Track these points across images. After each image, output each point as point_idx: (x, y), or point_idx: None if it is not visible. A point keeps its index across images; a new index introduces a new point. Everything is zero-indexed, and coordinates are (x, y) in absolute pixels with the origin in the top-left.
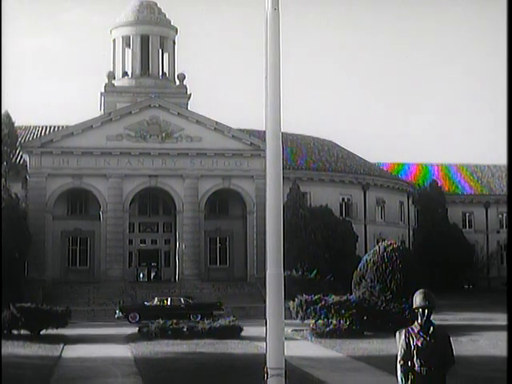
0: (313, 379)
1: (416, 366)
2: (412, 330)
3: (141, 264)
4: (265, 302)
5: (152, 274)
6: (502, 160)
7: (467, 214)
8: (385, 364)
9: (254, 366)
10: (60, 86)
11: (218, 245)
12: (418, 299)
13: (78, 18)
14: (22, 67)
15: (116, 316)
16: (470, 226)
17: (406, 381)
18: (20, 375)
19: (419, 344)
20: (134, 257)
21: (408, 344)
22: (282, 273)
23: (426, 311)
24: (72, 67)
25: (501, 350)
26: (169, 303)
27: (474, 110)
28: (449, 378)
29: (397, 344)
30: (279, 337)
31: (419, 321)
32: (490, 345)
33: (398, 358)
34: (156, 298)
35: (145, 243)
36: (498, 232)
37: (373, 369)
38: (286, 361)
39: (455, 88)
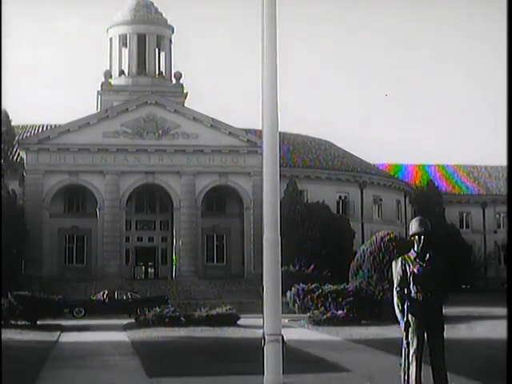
0: (310, 356)
1: (412, 292)
2: (408, 256)
3: (138, 261)
4: (262, 297)
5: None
6: (499, 161)
7: (464, 214)
8: (382, 345)
9: (252, 348)
10: (57, 87)
11: (215, 242)
12: (414, 226)
13: (75, 26)
14: (20, 71)
15: None
16: (468, 226)
17: (402, 307)
18: (18, 356)
19: (415, 270)
20: (131, 254)
21: (404, 271)
22: (279, 238)
23: (422, 238)
24: (69, 72)
25: (498, 334)
26: (115, 297)
27: (472, 112)
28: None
29: (393, 272)
30: (276, 303)
31: (415, 248)
32: (488, 331)
33: (395, 285)
34: (102, 292)
35: (142, 241)
36: (496, 232)
37: (370, 349)
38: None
39: (454, 89)
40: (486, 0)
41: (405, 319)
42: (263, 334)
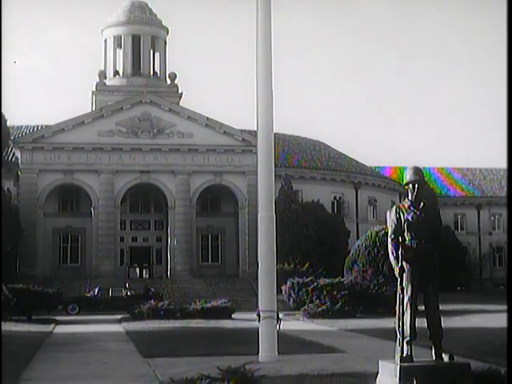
0: (305, 341)
1: (407, 239)
2: (402, 205)
3: (132, 261)
4: (256, 295)
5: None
6: (494, 164)
7: (459, 216)
8: (377, 333)
9: (246, 336)
10: (52, 90)
11: (210, 242)
12: (408, 175)
13: (67, 36)
14: (16, 73)
15: None
16: (462, 228)
17: (397, 254)
18: (14, 344)
19: (410, 218)
20: (125, 254)
21: (398, 219)
22: (274, 215)
23: (416, 186)
24: (65, 76)
25: (492, 324)
26: (110, 294)
27: (468, 115)
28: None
29: (387, 220)
30: (271, 280)
31: (409, 196)
32: (483, 322)
33: (389, 233)
34: (97, 289)
35: (136, 241)
36: (491, 234)
37: (364, 336)
38: (278, 331)
39: (452, 92)
40: (486, 0)
41: (399, 265)
42: (258, 311)
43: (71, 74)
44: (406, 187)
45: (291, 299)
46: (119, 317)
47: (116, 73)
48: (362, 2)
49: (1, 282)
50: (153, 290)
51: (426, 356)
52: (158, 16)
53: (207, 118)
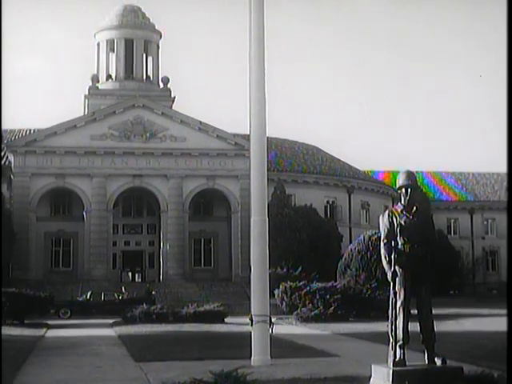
0: (299, 346)
1: (399, 243)
2: (395, 209)
3: (125, 265)
4: (249, 299)
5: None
6: (486, 168)
7: (452, 221)
8: (370, 336)
9: (239, 340)
10: (46, 95)
11: (203, 246)
12: (401, 179)
13: (61, 39)
14: (12, 77)
15: None
16: (455, 233)
17: (390, 258)
18: (6, 349)
19: (402, 222)
20: (117, 258)
21: (391, 223)
22: (266, 219)
23: (409, 190)
24: (58, 81)
25: (486, 328)
26: (102, 298)
27: (461, 119)
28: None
29: (380, 224)
30: (263, 284)
31: (402, 201)
32: (476, 326)
33: (382, 237)
34: (89, 293)
35: (129, 245)
36: (483, 238)
37: (357, 339)
38: (270, 335)
39: (445, 96)
40: (486, 0)
41: (392, 269)
42: (251, 315)
43: (64, 77)
44: (399, 191)
45: (284, 303)
46: (111, 321)
47: (109, 77)
48: (361, 2)
49: (1, 285)
50: (154, 293)
51: (418, 360)
52: (151, 20)
53: (200, 121)
